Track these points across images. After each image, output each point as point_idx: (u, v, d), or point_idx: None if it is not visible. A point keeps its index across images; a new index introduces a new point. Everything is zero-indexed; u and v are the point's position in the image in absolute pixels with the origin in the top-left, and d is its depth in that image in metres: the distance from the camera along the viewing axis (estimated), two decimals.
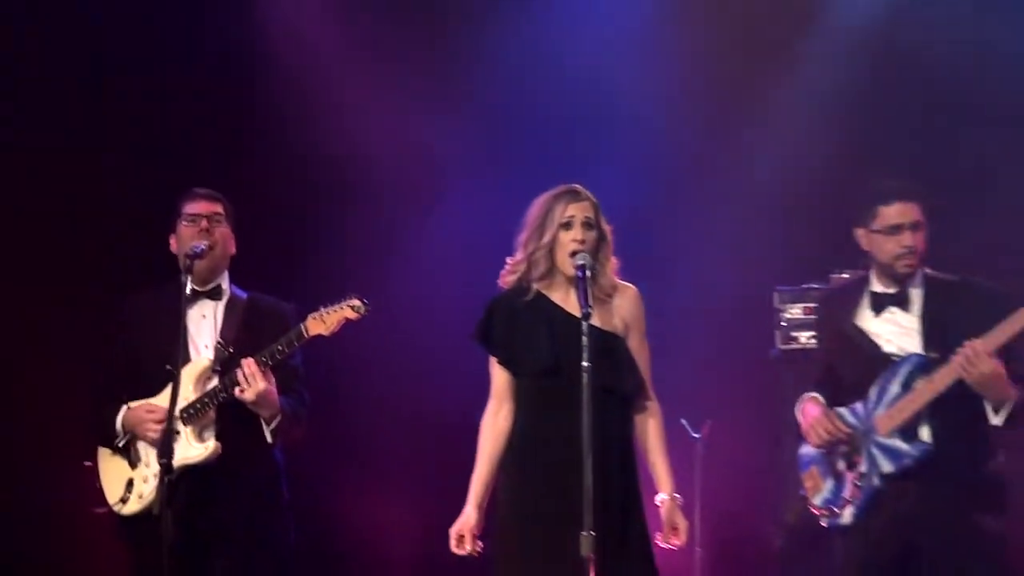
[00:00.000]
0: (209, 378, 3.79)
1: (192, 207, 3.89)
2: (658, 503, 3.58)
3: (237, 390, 3.69)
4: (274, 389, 3.76)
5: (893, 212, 3.71)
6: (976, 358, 3.51)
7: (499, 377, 3.56)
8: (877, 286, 3.78)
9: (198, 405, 3.73)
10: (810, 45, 5.67)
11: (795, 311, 5.17)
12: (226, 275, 3.96)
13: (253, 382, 3.68)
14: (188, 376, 3.74)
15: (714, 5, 5.68)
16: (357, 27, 5.63)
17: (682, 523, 3.59)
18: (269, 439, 3.79)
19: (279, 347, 3.72)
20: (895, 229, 3.69)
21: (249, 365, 3.69)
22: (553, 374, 3.46)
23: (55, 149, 5.28)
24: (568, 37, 5.63)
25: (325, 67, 5.59)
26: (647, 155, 5.51)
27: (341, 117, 5.54)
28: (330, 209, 5.60)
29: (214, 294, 3.91)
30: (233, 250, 3.97)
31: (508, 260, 3.60)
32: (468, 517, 3.52)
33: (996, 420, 3.60)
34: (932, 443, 3.62)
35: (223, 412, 3.74)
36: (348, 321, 3.72)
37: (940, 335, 3.67)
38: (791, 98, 5.62)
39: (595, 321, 3.33)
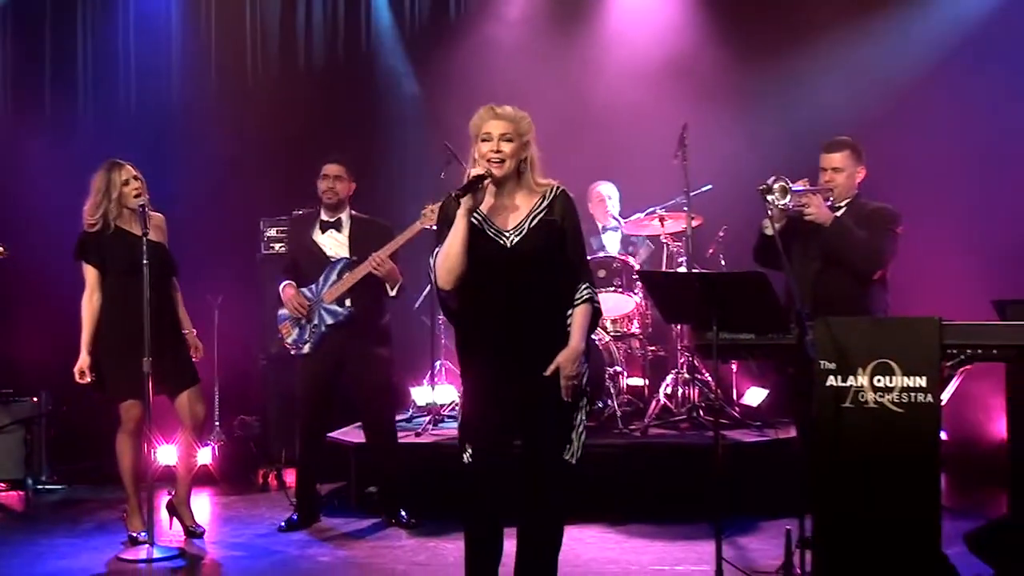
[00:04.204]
0: None
1: None
2: (184, 333, 5.78)
3: None
4: None
5: (327, 169, 5.87)
6: (380, 261, 5.74)
7: (91, 276, 5.61)
8: (325, 216, 5.93)
9: None
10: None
11: (272, 232, 7.62)
12: None
13: None
14: None
15: None
16: None
17: (200, 347, 5.81)
18: None
19: None
20: (325, 178, 5.87)
21: None
22: (129, 271, 5.46)
23: None
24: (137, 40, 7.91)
25: None
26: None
27: None
28: None
29: None
30: None
31: (85, 210, 5.59)
32: (83, 360, 5.55)
33: (392, 293, 5.87)
34: (352, 308, 5.82)
35: None
36: None
37: (359, 248, 5.85)
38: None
39: (151, 237, 5.43)
